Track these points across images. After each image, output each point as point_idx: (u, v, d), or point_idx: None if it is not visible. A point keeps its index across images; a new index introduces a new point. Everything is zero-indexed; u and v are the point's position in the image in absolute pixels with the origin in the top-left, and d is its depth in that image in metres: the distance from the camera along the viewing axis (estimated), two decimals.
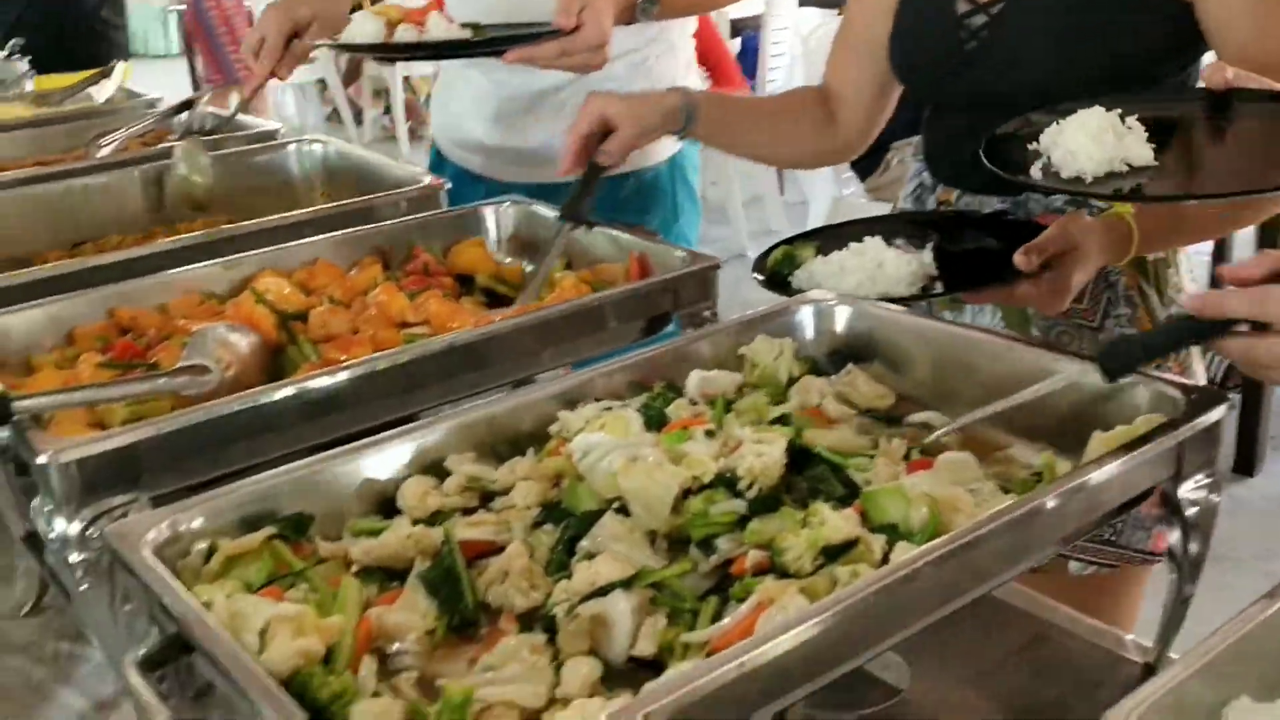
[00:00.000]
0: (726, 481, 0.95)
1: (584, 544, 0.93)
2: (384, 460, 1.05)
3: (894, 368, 1.24)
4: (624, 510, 0.96)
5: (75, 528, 1.08)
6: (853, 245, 1.55)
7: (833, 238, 1.72)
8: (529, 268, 1.68)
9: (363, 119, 7.99)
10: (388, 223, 1.71)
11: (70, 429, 1.17)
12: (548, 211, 1.72)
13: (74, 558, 1.08)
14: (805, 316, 1.29)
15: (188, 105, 2.47)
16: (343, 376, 1.20)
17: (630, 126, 1.59)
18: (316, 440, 1.16)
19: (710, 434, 1.01)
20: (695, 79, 2.21)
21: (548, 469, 1.03)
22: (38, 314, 1.44)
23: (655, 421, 1.05)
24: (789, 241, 1.71)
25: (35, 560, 1.25)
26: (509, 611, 0.91)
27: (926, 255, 1.50)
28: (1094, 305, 1.59)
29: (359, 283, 1.54)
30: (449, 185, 1.86)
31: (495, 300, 1.60)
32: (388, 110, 8.22)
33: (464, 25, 1.83)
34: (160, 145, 2.26)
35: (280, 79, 2.09)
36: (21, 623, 1.30)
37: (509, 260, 1.71)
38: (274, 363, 1.34)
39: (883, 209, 4.50)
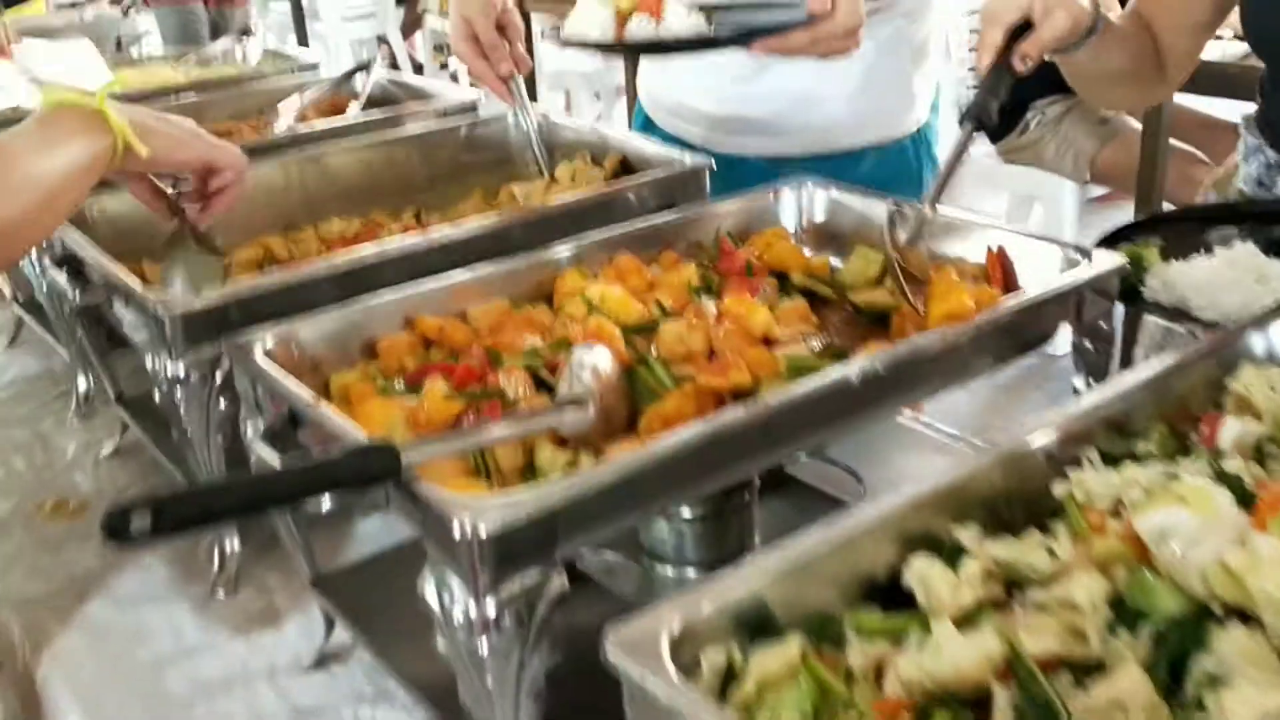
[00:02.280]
0: None
1: (1204, 665, 0.74)
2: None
3: None
4: (1233, 617, 0.76)
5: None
6: (1220, 252, 1.35)
7: (1172, 234, 1.52)
8: (836, 263, 1.48)
9: (422, 73, 7.74)
10: (676, 212, 1.50)
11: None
12: (852, 198, 1.52)
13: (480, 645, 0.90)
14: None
15: (363, 68, 2.26)
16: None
17: (1057, 23, 1.32)
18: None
19: None
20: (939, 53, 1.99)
21: (1099, 552, 0.83)
22: (331, 321, 1.24)
23: (1238, 495, 0.84)
24: (1125, 237, 1.51)
25: None
26: None
27: None
28: None
29: (674, 283, 1.34)
30: (712, 166, 1.65)
31: (815, 304, 1.40)
32: (444, 66, 7.97)
33: (700, 6, 1.58)
34: (365, 116, 2.05)
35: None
36: None
37: (810, 254, 1.50)
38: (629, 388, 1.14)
39: (1020, 173, 4.33)
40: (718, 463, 1.01)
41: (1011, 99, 4.03)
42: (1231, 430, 0.95)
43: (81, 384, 1.91)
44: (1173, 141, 3.89)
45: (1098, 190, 4.58)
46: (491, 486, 1.00)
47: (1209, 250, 1.38)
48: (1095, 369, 1.27)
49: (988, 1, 1.34)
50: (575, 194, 1.60)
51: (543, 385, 1.15)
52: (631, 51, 1.75)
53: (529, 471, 1.04)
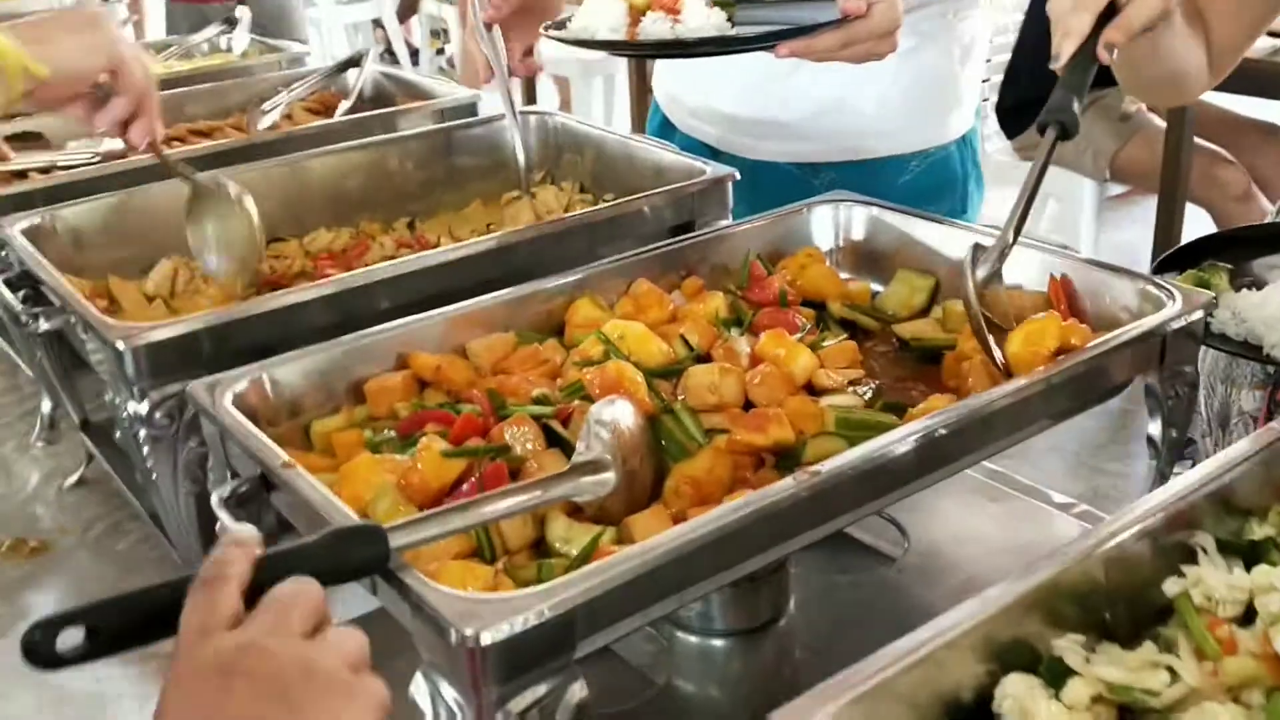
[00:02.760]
0: None
1: None
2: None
3: None
4: None
5: None
6: None
7: (1237, 256, 1.38)
8: (875, 287, 1.34)
9: (418, 59, 7.57)
10: (700, 232, 1.35)
11: None
12: (894, 216, 1.37)
13: None
14: None
15: (353, 63, 2.11)
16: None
17: (1149, 7, 1.14)
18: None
19: None
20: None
21: (1231, 674, 0.69)
22: (313, 360, 1.09)
23: None
24: (1189, 259, 1.37)
25: None
26: None
27: None
28: None
29: (699, 315, 1.19)
30: (736, 176, 1.50)
31: (857, 339, 1.26)
32: (441, 51, 7.79)
33: (718, 3, 1.41)
34: (356, 116, 1.90)
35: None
36: None
37: (847, 278, 1.35)
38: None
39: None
40: (760, 544, 0.86)
41: (1032, 94, 3.85)
42: None
43: (46, 406, 1.76)
44: (1196, 140, 3.75)
45: (1116, 188, 4.44)
46: (496, 570, 0.85)
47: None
48: (1176, 415, 1.13)
49: None
50: (586, 209, 1.45)
51: (554, 438, 1.00)
52: (646, 52, 1.58)
53: (539, 549, 0.90)
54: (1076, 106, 1.15)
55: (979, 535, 1.26)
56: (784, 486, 0.85)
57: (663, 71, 1.96)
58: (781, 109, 1.74)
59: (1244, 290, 1.25)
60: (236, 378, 1.04)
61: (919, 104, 1.71)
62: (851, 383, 1.09)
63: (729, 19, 1.41)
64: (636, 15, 1.39)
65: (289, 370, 1.08)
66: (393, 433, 1.04)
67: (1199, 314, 1.08)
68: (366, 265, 1.51)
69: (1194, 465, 1.07)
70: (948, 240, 1.32)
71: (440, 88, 2.04)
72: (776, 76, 1.72)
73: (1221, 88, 3.48)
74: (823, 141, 1.73)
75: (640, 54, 1.59)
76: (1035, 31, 4.04)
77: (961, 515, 1.29)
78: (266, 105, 1.95)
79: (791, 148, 1.76)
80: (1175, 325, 1.07)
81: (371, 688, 0.66)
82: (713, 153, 1.81)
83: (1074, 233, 4.27)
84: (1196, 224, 3.82)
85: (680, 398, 1.05)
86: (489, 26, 1.56)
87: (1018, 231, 1.14)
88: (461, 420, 0.99)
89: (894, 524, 1.27)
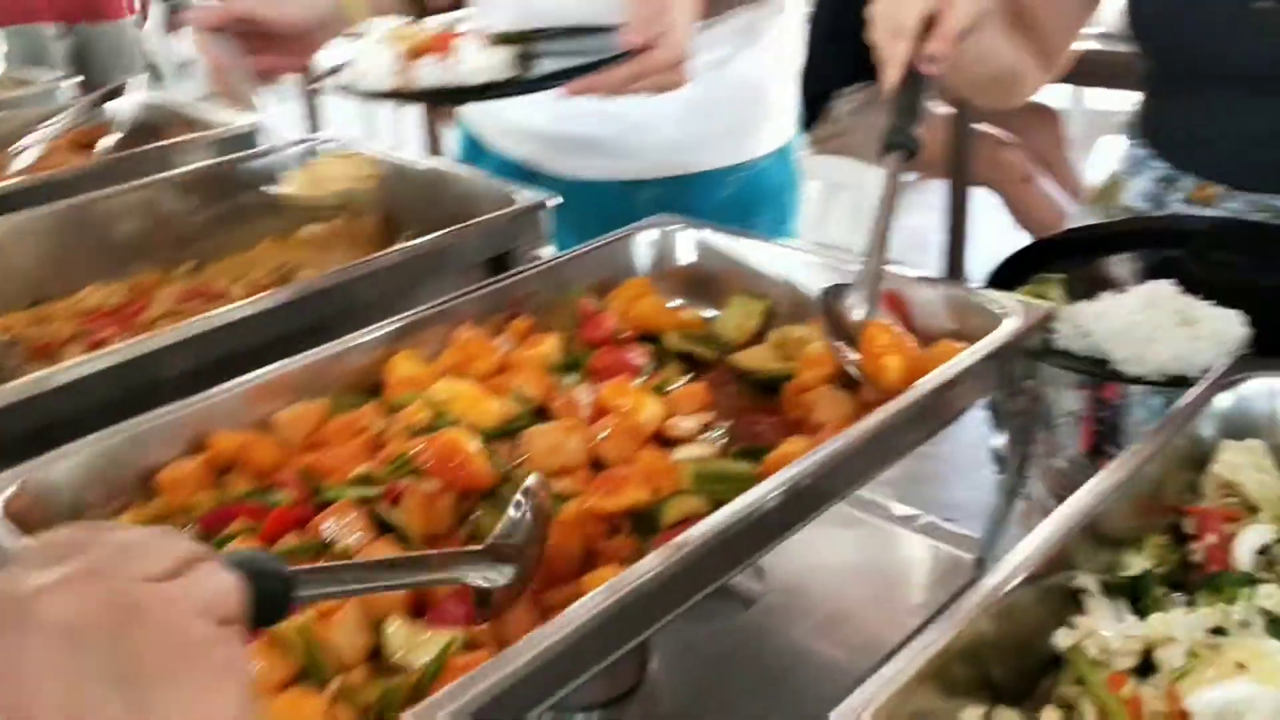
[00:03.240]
0: None
1: None
2: None
3: None
4: None
5: None
6: (1136, 291, 1.20)
7: (1074, 265, 1.36)
8: (709, 315, 1.28)
9: (191, 71, 7.14)
10: (523, 269, 1.26)
11: None
12: (721, 238, 1.31)
13: None
14: (1259, 397, 0.94)
15: (117, 92, 1.92)
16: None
17: (965, 10, 1.12)
18: None
19: None
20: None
21: None
22: (94, 456, 0.95)
23: None
24: (1019, 268, 1.35)
25: None
26: None
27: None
28: None
29: (532, 363, 1.10)
30: (557, 201, 1.41)
31: (691, 368, 1.19)
32: None
33: (499, 37, 1.34)
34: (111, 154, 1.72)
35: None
36: None
37: (679, 304, 1.29)
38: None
39: (829, 162, 4.25)
40: (630, 630, 0.78)
41: (817, 87, 3.85)
42: (1250, 541, 0.79)
43: None
44: (978, 125, 3.88)
45: (907, 177, 4.57)
46: (331, 697, 0.74)
47: (1107, 284, 1.24)
48: (1021, 432, 1.11)
49: (874, 9, 1.15)
50: (397, 248, 1.34)
51: (385, 525, 0.89)
52: (424, 99, 1.47)
53: (374, 661, 0.79)
54: (915, 127, 1.12)
55: (834, 564, 1.23)
56: (648, 566, 0.77)
57: None
58: (597, 125, 1.66)
59: (1081, 303, 1.23)
60: (1, 483, 0.89)
61: (730, 117, 1.66)
62: (703, 427, 1.02)
63: (523, 55, 1.33)
64: (411, 58, 1.30)
65: (65, 467, 0.93)
66: (190, 531, 0.91)
67: (1041, 328, 1.06)
68: (148, 322, 1.36)
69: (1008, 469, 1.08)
70: (778, 260, 1.27)
71: (216, 115, 1.87)
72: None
73: None
74: (639, 158, 1.67)
75: (418, 101, 1.48)
76: (821, 24, 4.11)
77: (814, 545, 1.24)
78: (20, 144, 1.75)
79: (610, 165, 1.69)
80: (1020, 342, 1.04)
81: (234, 651, 0.50)
82: (529, 174, 1.72)
83: (868, 220, 4.37)
84: (986, 208, 3.97)
85: (521, 460, 0.96)
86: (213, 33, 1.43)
87: (881, 256, 1.11)
88: (274, 516, 0.87)
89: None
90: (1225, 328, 1.11)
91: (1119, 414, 1.38)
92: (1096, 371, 1.12)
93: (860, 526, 1.28)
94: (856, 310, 1.08)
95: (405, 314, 1.14)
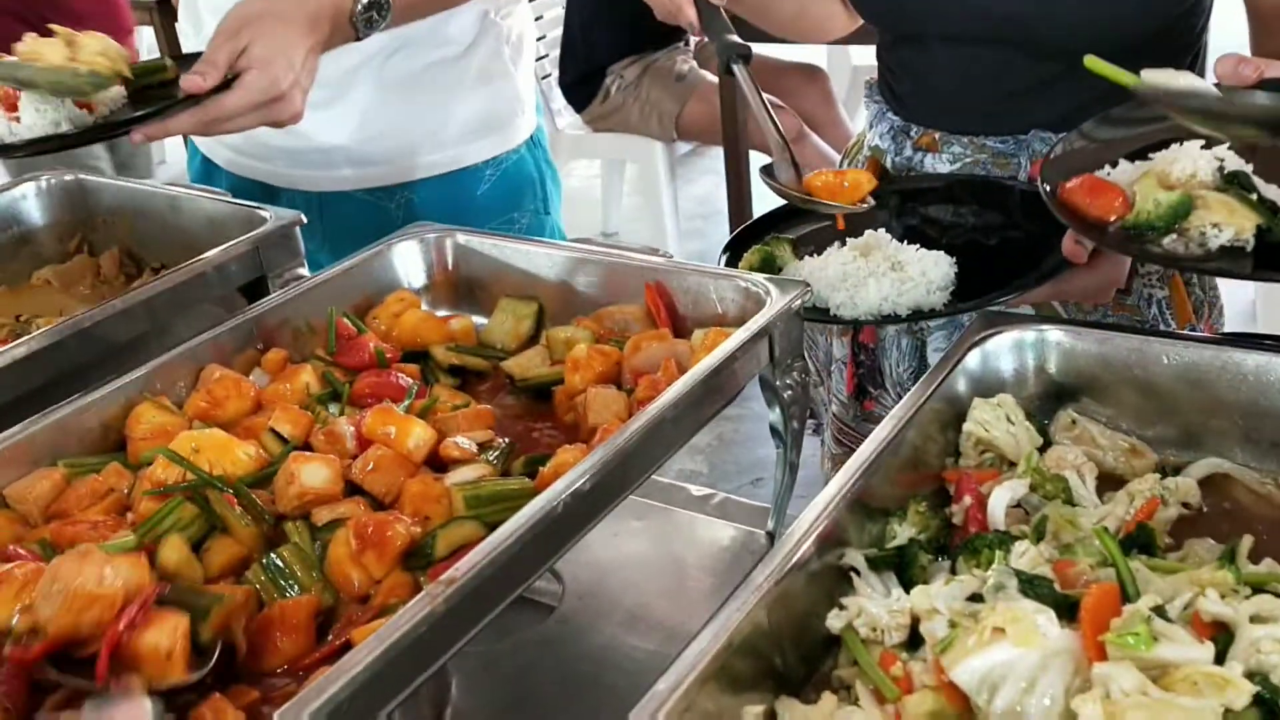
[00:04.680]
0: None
1: None
2: None
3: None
4: None
5: None
6: (853, 242, 1.26)
7: (800, 228, 1.41)
8: (480, 322, 1.24)
9: None
10: (271, 298, 1.20)
11: None
12: (484, 241, 1.28)
13: None
14: (1005, 352, 0.97)
15: None
16: None
17: None
18: None
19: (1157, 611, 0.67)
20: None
21: (920, 711, 0.66)
22: None
23: (1053, 603, 0.69)
24: (752, 235, 1.38)
25: None
26: None
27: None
28: None
29: (289, 396, 1.05)
30: (303, 220, 1.35)
31: (469, 382, 1.16)
32: None
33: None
34: None
35: None
36: None
37: (445, 314, 1.25)
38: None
39: (610, 139, 4.25)
40: (410, 672, 0.75)
41: (588, 66, 3.95)
42: (1002, 498, 0.81)
43: None
44: None
45: (685, 146, 4.62)
46: None
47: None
48: (793, 405, 1.12)
49: None
50: (139, 285, 1.25)
51: None
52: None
53: None
54: (732, 36, 1.30)
55: (632, 559, 1.22)
56: (419, 606, 0.74)
57: None
58: (333, 134, 1.60)
59: (806, 258, 1.28)
60: None
61: (479, 111, 1.63)
62: (482, 446, 0.99)
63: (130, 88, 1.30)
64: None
65: None
66: None
67: (797, 304, 1.08)
68: None
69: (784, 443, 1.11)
70: (542, 260, 1.25)
71: None
72: (320, 103, 1.57)
73: (757, 36, 3.69)
74: (389, 163, 1.61)
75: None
76: (583, 6, 4.10)
77: (610, 542, 1.24)
78: None
79: (358, 173, 1.63)
80: (779, 321, 1.05)
81: None
82: (270, 191, 1.64)
83: (654, 192, 4.41)
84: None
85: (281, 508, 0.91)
86: None
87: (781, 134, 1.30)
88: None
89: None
90: (933, 269, 1.18)
91: (876, 356, 1.45)
92: (820, 317, 1.17)
93: (654, 516, 1.27)
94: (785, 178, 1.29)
95: (146, 362, 1.07)
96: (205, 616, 0.78)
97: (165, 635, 0.75)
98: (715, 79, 3.92)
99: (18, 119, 1.21)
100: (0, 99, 1.24)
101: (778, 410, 1.12)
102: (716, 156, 5.11)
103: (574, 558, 1.21)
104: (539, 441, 1.07)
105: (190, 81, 1.20)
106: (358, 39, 1.35)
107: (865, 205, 1.28)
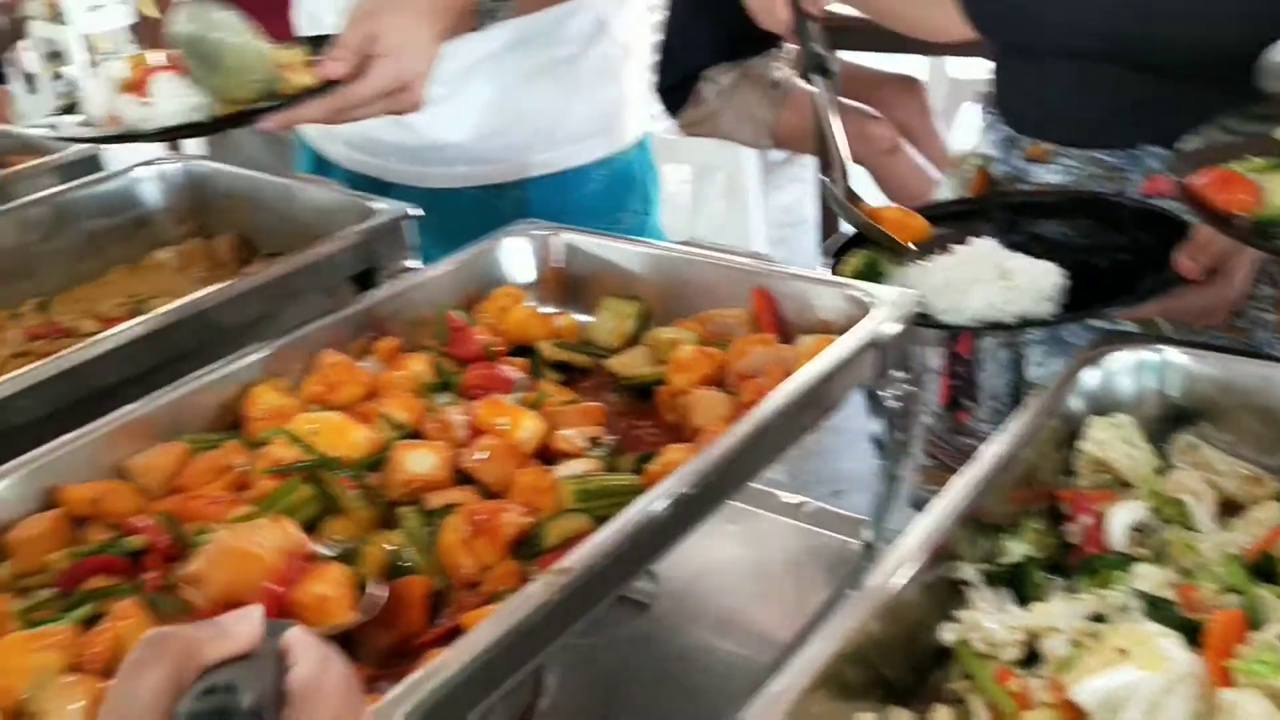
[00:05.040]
0: None
1: None
2: None
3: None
4: None
5: None
6: (957, 249, 1.24)
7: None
8: (583, 320, 1.25)
9: (35, 85, 6.82)
10: (387, 288, 1.22)
11: None
12: (592, 241, 1.29)
13: None
14: (1124, 372, 0.96)
15: None
16: None
17: None
18: None
19: None
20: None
21: None
22: None
23: (1178, 627, 0.68)
24: (856, 242, 1.37)
25: None
26: None
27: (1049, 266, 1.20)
28: None
29: (402, 385, 1.07)
30: (418, 213, 1.37)
31: (572, 379, 1.17)
32: (58, 76, 7.07)
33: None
34: None
35: None
36: None
37: (550, 311, 1.27)
38: None
39: (701, 144, 4.25)
40: (516, 660, 0.76)
41: (683, 71, 3.95)
42: (1122, 520, 0.80)
43: None
44: (843, 100, 3.92)
45: (778, 155, 4.60)
46: None
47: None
48: (900, 417, 1.11)
49: None
50: (252, 273, 1.29)
51: None
52: (119, 141, 1.32)
53: None
54: (822, 50, 1.30)
55: (725, 562, 1.22)
56: (533, 594, 0.75)
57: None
58: (449, 131, 1.62)
59: (909, 264, 1.27)
60: None
61: (590, 111, 1.64)
62: (590, 442, 0.99)
63: None
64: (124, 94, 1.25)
65: None
66: (48, 592, 0.86)
67: (907, 313, 1.07)
68: None
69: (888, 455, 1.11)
70: (647, 261, 1.26)
71: (54, 141, 1.77)
72: (437, 99, 1.59)
73: (857, 46, 3.65)
74: (502, 161, 1.63)
75: (114, 142, 1.40)
76: (680, 7, 4.11)
77: (704, 543, 1.24)
78: None
79: (468, 171, 1.65)
80: (889, 330, 1.05)
81: None
82: (382, 186, 1.67)
83: (743, 201, 4.40)
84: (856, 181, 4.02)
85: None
86: None
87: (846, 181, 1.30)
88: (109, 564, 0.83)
89: None
90: (1041, 278, 1.16)
91: (972, 368, 1.43)
92: (922, 321, 1.16)
93: (747, 520, 1.27)
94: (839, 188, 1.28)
95: (263, 344, 1.10)
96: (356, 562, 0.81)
97: (327, 585, 0.78)
98: (811, 88, 3.90)
99: (150, 103, 1.22)
100: (132, 81, 1.23)
101: (883, 421, 1.11)
102: (804, 165, 5.09)
103: (668, 557, 1.22)
104: (640, 440, 1.08)
105: (328, 68, 1.19)
106: (475, 29, 1.36)
107: (913, 250, 1.26)
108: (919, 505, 1.40)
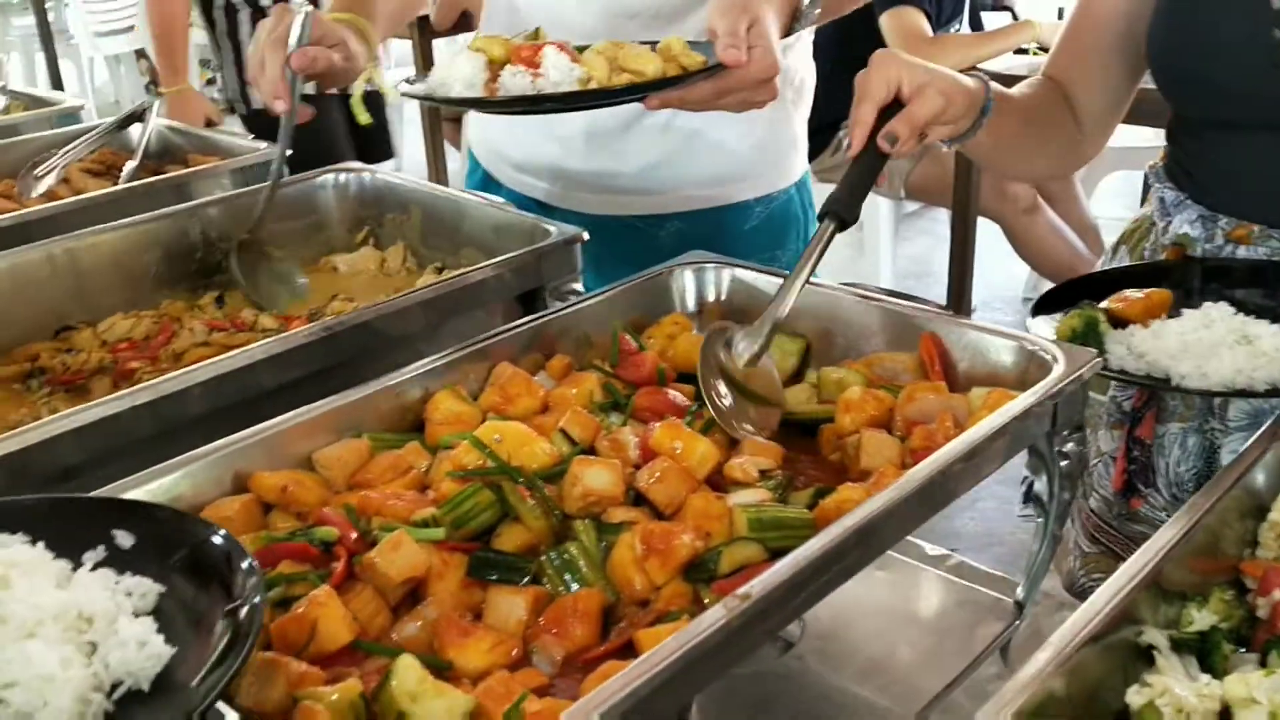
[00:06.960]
0: None
1: None
2: None
3: None
4: None
5: None
6: (1190, 313, 1.21)
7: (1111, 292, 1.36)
8: (744, 355, 1.27)
9: None
10: (561, 307, 1.25)
11: None
12: (758, 277, 1.31)
13: None
14: None
15: (136, 117, 1.91)
16: None
17: (931, 104, 1.14)
18: None
19: None
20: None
21: None
22: (130, 494, 0.93)
23: None
24: (1069, 299, 1.34)
25: None
26: None
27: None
28: None
29: (574, 402, 1.09)
30: (584, 237, 1.41)
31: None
32: (210, 81, 7.38)
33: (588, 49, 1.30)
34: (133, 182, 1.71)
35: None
36: None
37: None
38: None
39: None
40: (693, 685, 0.77)
41: (827, 118, 3.85)
42: None
43: None
44: None
45: (911, 205, 4.58)
46: None
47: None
48: (1066, 476, 1.10)
49: (860, 76, 1.16)
50: (427, 283, 1.33)
51: None
52: (506, 109, 1.38)
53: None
54: (858, 201, 1.16)
55: (871, 608, 1.21)
56: (715, 616, 0.76)
57: (480, 124, 1.84)
58: (616, 161, 1.66)
59: (1135, 327, 1.24)
60: None
61: (758, 149, 1.66)
62: (763, 473, 1.00)
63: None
64: (496, 70, 1.28)
65: None
66: None
67: (1087, 372, 1.06)
68: (174, 353, 1.35)
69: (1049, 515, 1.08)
70: (811, 298, 1.26)
71: (237, 143, 1.86)
72: (608, 131, 1.63)
73: None
74: (664, 194, 1.66)
75: (500, 110, 1.46)
76: (826, 56, 4.12)
77: (850, 586, 1.23)
78: (39, 170, 1.74)
79: (631, 201, 1.68)
80: (1067, 388, 1.04)
81: None
82: (545, 209, 1.71)
83: (874, 250, 4.38)
84: (984, 236, 3.98)
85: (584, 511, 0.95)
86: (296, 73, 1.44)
87: (777, 315, 1.14)
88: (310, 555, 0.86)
89: None
90: None
91: (1153, 453, 1.38)
92: (1162, 385, 1.13)
93: (895, 567, 1.27)
94: (743, 352, 1.12)
95: (444, 352, 1.13)
96: None
97: None
98: None
99: (541, 74, 1.22)
100: (518, 55, 1.25)
101: (1045, 479, 1.10)
102: (934, 218, 5.05)
103: None
104: (805, 476, 1.09)
105: (729, 54, 1.20)
106: (788, 33, 1.34)
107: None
108: (1081, 594, 1.36)
